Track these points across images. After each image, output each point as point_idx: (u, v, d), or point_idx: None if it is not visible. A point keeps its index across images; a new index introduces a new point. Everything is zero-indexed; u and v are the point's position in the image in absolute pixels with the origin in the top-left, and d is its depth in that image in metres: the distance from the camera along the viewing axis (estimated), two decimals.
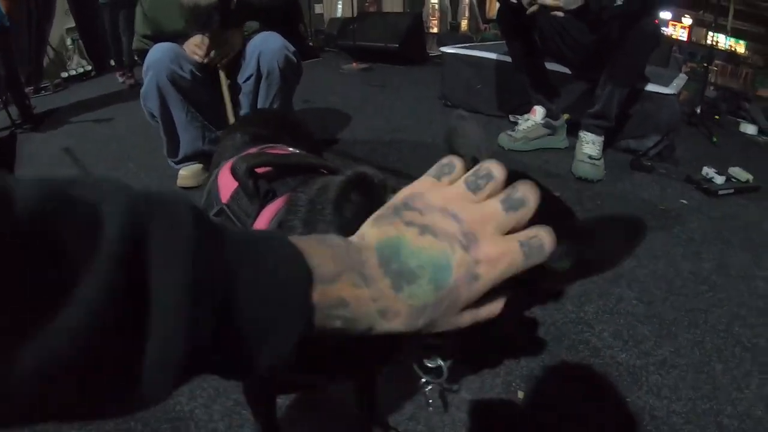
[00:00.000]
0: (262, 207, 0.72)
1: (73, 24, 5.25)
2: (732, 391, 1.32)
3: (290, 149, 0.94)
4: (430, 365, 0.55)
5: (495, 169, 0.46)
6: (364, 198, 0.62)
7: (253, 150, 0.91)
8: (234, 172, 0.75)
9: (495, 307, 0.47)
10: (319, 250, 0.41)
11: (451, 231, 0.43)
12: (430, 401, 0.60)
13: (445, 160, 0.49)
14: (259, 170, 0.76)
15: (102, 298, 0.28)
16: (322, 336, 0.41)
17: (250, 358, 0.37)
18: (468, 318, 0.46)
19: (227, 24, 2.19)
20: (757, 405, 1.28)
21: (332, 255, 0.42)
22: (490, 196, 0.45)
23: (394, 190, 0.57)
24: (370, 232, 0.45)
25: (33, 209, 0.27)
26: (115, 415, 0.35)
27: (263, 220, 0.71)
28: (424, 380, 0.56)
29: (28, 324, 0.27)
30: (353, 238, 0.45)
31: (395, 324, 0.43)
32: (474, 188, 0.45)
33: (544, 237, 0.44)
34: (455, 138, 0.58)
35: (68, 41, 5.35)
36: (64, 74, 4.96)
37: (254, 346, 0.37)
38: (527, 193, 0.45)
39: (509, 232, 0.45)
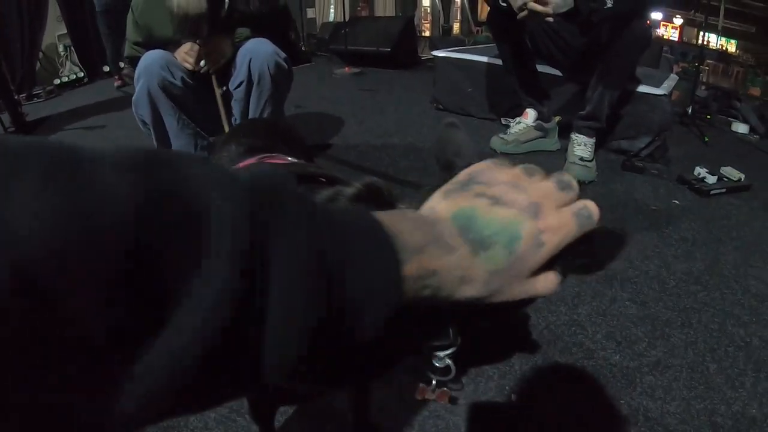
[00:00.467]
0: None
1: (65, 30, 5.23)
2: (726, 390, 1.32)
3: (288, 158, 0.94)
4: (437, 365, 0.56)
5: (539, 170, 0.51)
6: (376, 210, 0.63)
7: (252, 160, 0.91)
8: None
9: (551, 281, 0.49)
10: (403, 223, 0.43)
11: (519, 201, 0.47)
12: (448, 397, 0.61)
13: None
14: None
15: (222, 300, 0.29)
16: (413, 305, 0.43)
17: (353, 330, 0.39)
18: (530, 288, 0.48)
19: (217, 31, 2.20)
20: (752, 404, 1.28)
21: (415, 227, 0.44)
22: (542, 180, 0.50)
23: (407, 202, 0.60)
24: (441, 205, 0.48)
25: (134, 212, 0.27)
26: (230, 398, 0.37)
27: None
28: (433, 381, 0.58)
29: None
30: (425, 211, 0.49)
31: (471, 290, 0.45)
32: (529, 173, 0.50)
33: (591, 207, 0.48)
34: (445, 145, 0.59)
35: (60, 48, 5.32)
36: (57, 81, 4.92)
37: (356, 317, 0.38)
38: (571, 180, 0.49)
39: None
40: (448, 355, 0.56)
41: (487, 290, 0.46)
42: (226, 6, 2.21)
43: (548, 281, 0.49)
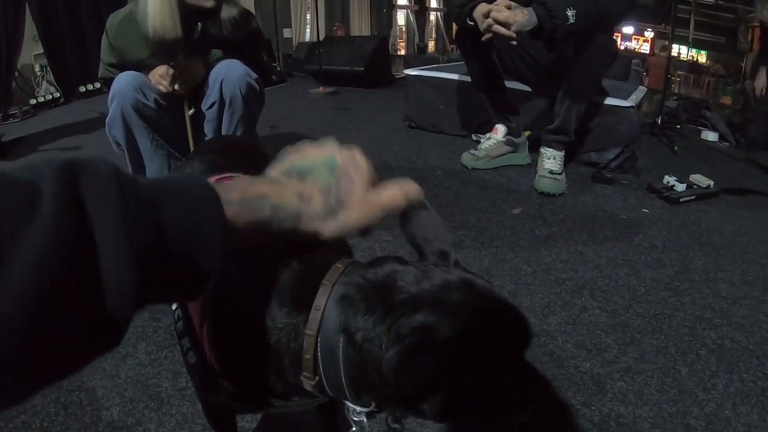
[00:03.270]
0: None
1: (41, 50, 5.21)
2: (698, 392, 1.33)
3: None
4: (355, 419, 0.60)
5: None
6: None
7: (212, 179, 0.90)
8: None
9: (396, 192, 0.62)
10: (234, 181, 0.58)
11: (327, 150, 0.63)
12: None
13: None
14: None
15: (49, 240, 0.34)
16: (260, 229, 0.53)
17: (190, 263, 0.45)
18: (375, 200, 0.60)
19: (191, 54, 2.21)
20: (725, 405, 1.29)
21: (242, 180, 0.57)
22: None
23: None
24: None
25: None
26: (91, 353, 0.40)
27: None
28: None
29: None
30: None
31: (315, 205, 0.57)
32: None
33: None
34: (413, 231, 0.68)
35: (36, 67, 5.30)
36: (33, 101, 4.89)
37: (189, 251, 0.45)
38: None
39: None
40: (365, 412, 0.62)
41: (328, 203, 0.58)
42: (199, 30, 2.22)
43: (392, 193, 0.61)
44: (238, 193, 0.52)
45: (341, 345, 0.58)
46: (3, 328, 0.31)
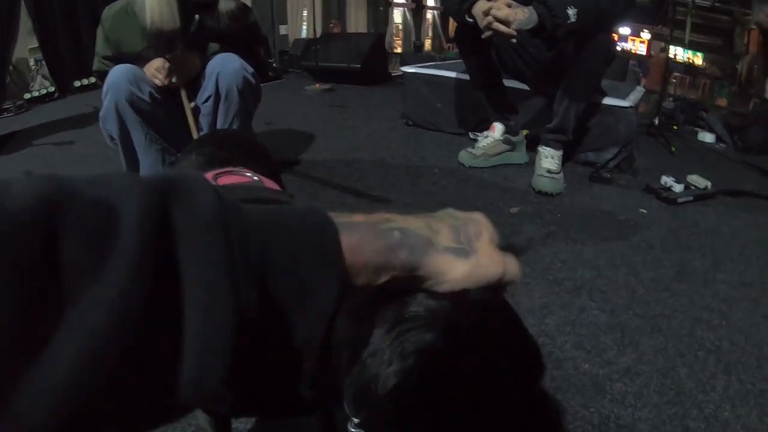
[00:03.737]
0: None
1: (36, 44, 5.17)
2: (698, 394, 1.32)
3: (247, 174, 0.92)
4: (353, 430, 0.56)
5: None
6: None
7: (209, 175, 0.88)
8: None
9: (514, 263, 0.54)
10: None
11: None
12: None
13: None
14: None
15: (126, 292, 0.26)
16: (384, 262, 0.44)
17: (294, 323, 0.37)
18: (501, 263, 0.52)
19: (187, 47, 2.19)
20: (724, 406, 1.28)
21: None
22: None
23: None
24: None
25: (29, 206, 0.25)
26: (156, 421, 0.32)
27: None
28: None
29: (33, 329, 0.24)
30: None
31: (444, 238, 0.49)
32: None
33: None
34: None
35: (31, 62, 5.25)
36: (27, 95, 4.86)
37: (295, 308, 0.37)
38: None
39: None
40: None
41: (459, 241, 0.49)
42: (196, 22, 2.20)
43: (515, 262, 0.53)
44: (360, 217, 0.46)
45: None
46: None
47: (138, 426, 0.30)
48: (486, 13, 2.27)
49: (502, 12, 2.23)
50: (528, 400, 0.54)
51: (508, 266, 0.52)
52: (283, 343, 0.37)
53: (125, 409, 0.28)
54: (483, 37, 2.36)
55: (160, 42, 2.13)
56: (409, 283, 0.47)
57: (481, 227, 0.51)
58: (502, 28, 2.24)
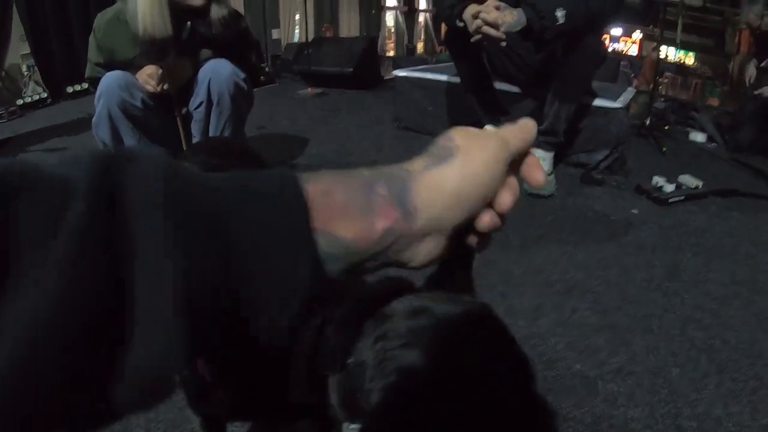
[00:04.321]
0: None
1: (28, 50, 5.15)
2: (690, 393, 1.33)
3: None
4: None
5: None
6: None
7: None
8: None
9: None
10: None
11: None
12: None
13: None
14: None
15: (71, 261, 0.24)
16: (358, 208, 0.39)
17: (262, 304, 0.33)
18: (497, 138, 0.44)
19: (179, 53, 2.20)
20: (716, 404, 1.29)
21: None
22: None
23: None
24: None
25: None
26: (111, 415, 0.30)
27: None
28: None
29: None
30: None
31: (416, 164, 0.43)
32: None
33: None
34: None
35: (24, 67, 5.24)
36: (19, 101, 4.84)
37: (262, 289, 0.32)
38: None
39: None
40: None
41: (431, 156, 0.43)
42: (188, 29, 2.21)
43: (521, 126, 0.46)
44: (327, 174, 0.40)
45: None
46: None
47: (83, 424, 0.29)
48: (475, 17, 2.28)
49: (491, 15, 2.24)
50: (518, 410, 0.54)
51: (508, 134, 0.45)
52: (258, 320, 0.33)
53: (67, 405, 0.26)
54: (472, 41, 2.37)
55: (152, 49, 2.14)
56: (406, 233, 0.40)
57: (449, 132, 0.44)
58: (491, 31, 2.25)
